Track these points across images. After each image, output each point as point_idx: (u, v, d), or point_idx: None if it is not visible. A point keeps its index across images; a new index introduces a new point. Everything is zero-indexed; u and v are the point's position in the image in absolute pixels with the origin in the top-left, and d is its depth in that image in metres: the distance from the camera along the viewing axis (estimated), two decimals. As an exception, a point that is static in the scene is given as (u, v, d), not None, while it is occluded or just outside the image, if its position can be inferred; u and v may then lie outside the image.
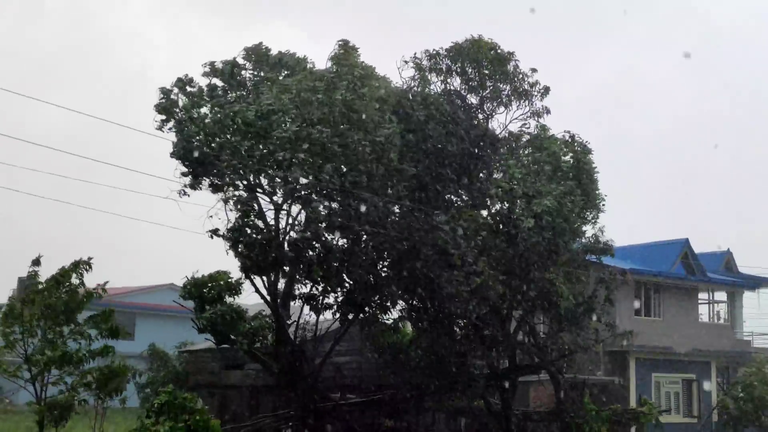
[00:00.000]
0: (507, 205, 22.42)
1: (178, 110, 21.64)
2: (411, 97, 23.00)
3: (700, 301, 39.24)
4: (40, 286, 20.03)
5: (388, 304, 23.40)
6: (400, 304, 23.68)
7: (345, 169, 20.44)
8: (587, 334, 24.48)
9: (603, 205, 23.92)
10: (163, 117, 21.54)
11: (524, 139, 24.35)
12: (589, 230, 24.13)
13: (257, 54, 22.72)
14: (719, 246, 41.87)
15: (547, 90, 24.02)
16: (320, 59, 22.61)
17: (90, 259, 20.40)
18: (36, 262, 21.03)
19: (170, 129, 21.61)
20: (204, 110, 21.76)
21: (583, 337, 24.29)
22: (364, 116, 20.42)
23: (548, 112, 24.26)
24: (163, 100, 21.58)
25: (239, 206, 21.26)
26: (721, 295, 40.74)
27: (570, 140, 23.91)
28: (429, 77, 23.96)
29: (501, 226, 22.24)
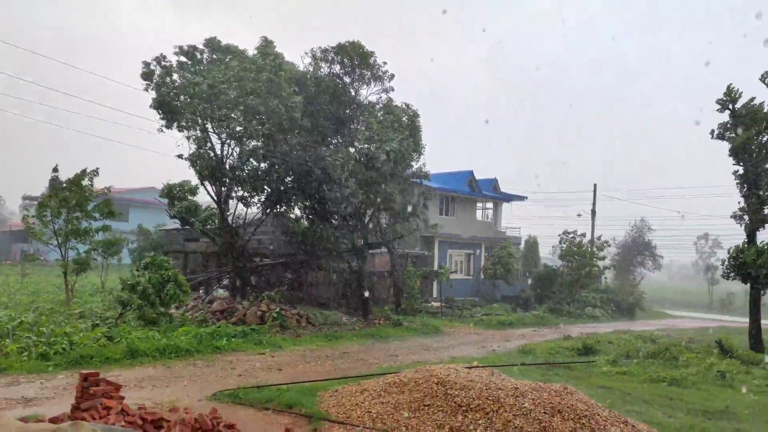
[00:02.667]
0: (367, 146, 24.88)
1: (156, 77, 22.66)
2: (308, 77, 24.73)
3: (477, 208, 43.03)
4: (63, 185, 20.76)
5: (293, 204, 25.59)
6: (300, 204, 25.73)
7: (266, 122, 22.36)
8: (411, 226, 28.75)
9: (424, 148, 26.81)
10: (147, 82, 22.66)
11: (378, 106, 26.17)
12: (415, 163, 26.85)
13: (212, 43, 23.79)
14: (494, 176, 46.28)
15: (392, 76, 26.04)
16: (253, 48, 23.92)
17: (97, 168, 21.21)
18: (55, 169, 21.84)
19: (151, 89, 22.70)
20: (174, 77, 22.93)
21: (408, 227, 28.51)
22: (279, 89, 22.29)
23: (393, 89, 26.31)
24: (145, 70, 22.67)
25: (197, 141, 23.07)
26: (489, 205, 44.38)
27: (406, 107, 26.57)
28: (320, 64, 25.50)
29: (363, 159, 24.75)
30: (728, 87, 22.62)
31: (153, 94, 22.92)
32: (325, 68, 25.74)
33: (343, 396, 10.78)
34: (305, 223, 26.18)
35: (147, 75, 22.97)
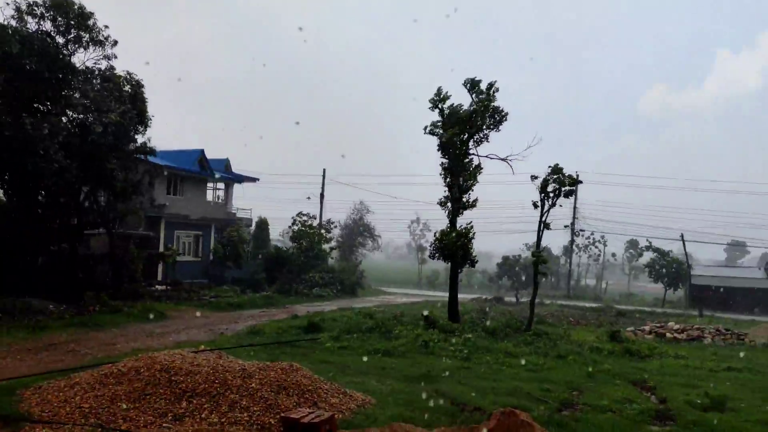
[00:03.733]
0: (84, 116, 22.79)
1: None
2: (9, 33, 21.55)
3: (208, 188, 41.57)
4: None
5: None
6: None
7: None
8: (134, 205, 27.01)
9: (150, 121, 25.38)
10: None
11: (96, 72, 24.10)
12: (141, 137, 25.42)
13: None
14: (225, 155, 45.31)
15: (116, 42, 24.16)
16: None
17: None
18: None
19: None
20: None
21: (131, 206, 26.71)
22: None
23: (116, 57, 24.42)
24: None
25: None
26: (221, 185, 43.43)
27: (129, 77, 24.80)
28: (27, 19, 22.47)
29: (78, 130, 22.67)
30: (438, 89, 25.59)
31: None
32: (33, 24, 22.80)
33: (48, 392, 9.80)
34: (3, 199, 23.36)
35: None
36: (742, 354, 20.29)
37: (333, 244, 47.66)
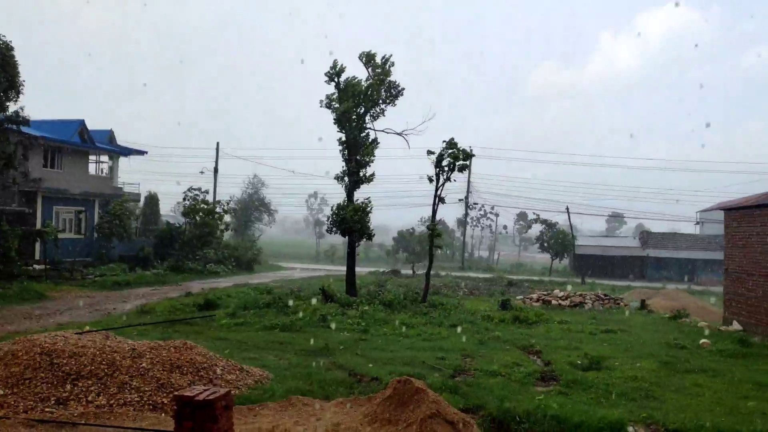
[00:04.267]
0: None
1: None
2: None
3: (91, 161, 39.22)
4: None
5: None
6: None
7: None
8: (6, 179, 25.10)
9: (23, 87, 23.58)
10: None
11: None
12: (13, 105, 23.64)
13: None
14: (109, 127, 43.03)
15: None
16: None
17: None
18: None
19: None
20: None
21: (2, 180, 24.81)
22: None
23: None
24: None
25: None
26: (105, 158, 41.16)
27: None
28: None
29: None
30: (334, 62, 25.46)
31: None
32: None
33: None
34: None
35: None
36: (626, 313, 22.00)
37: (228, 219, 46.47)
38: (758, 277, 18.62)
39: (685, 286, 40.89)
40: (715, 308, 25.24)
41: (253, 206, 59.66)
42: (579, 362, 13.25)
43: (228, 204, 44.62)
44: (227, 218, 44.85)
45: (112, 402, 8.27)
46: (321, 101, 25.75)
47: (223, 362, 10.49)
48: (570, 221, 59.22)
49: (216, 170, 50.75)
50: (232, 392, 8.52)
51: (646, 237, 59.71)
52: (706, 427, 8.66)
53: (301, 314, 18.85)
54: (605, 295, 28.25)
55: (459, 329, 17.87)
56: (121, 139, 42.41)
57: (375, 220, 27.59)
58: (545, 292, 29.74)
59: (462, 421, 8.03)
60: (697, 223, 67.09)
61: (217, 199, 45.29)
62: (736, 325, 19.55)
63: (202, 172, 50.54)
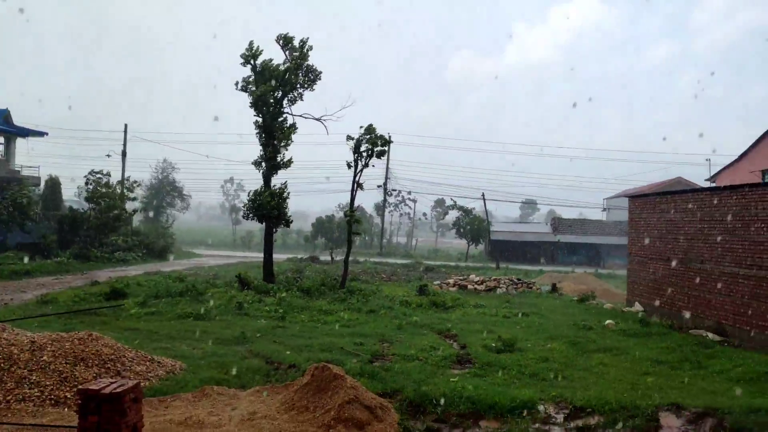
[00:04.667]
0: None
1: None
2: None
3: None
4: None
5: None
6: None
7: None
8: None
9: None
10: None
11: None
12: None
13: None
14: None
15: None
16: None
17: None
18: None
19: None
20: None
21: None
22: None
23: None
24: None
25: None
26: (0, 140, 38.87)
27: None
28: None
29: None
30: (250, 43, 24.85)
31: None
32: None
33: None
34: None
35: None
36: (539, 297, 22.85)
37: (137, 205, 44.58)
38: (658, 261, 19.82)
39: (592, 270, 42.96)
40: (619, 291, 26.70)
41: (164, 191, 57.55)
42: (493, 345, 13.67)
43: (134, 185, 42.58)
44: (136, 204, 43.06)
45: (9, 398, 7.81)
46: (237, 83, 25.12)
47: (132, 353, 10.11)
48: (486, 208, 60.84)
49: (124, 153, 48.56)
50: (142, 384, 8.24)
51: (557, 223, 62.20)
52: (609, 403, 9.16)
53: (216, 302, 18.45)
54: (519, 280, 29.25)
55: (377, 315, 18.03)
56: (22, 120, 39.83)
57: (293, 206, 27.33)
58: (461, 277, 30.46)
59: (380, 405, 8.13)
60: (604, 209, 70.52)
61: (125, 183, 43.26)
62: (638, 307, 20.75)
63: (108, 155, 48.07)
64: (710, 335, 15.74)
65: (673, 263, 18.78)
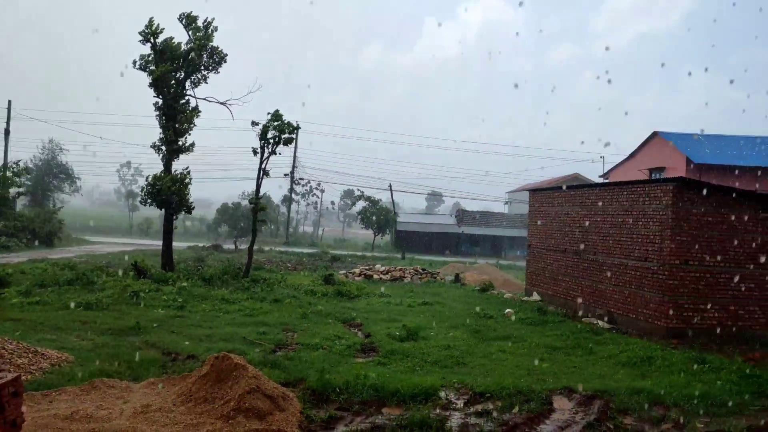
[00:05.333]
0: None
1: None
2: None
3: None
4: None
5: None
6: None
7: None
8: None
9: None
10: None
11: None
12: None
13: None
14: None
15: None
16: None
17: None
18: None
19: None
20: None
21: None
22: None
23: None
24: None
25: None
26: None
27: None
28: None
29: None
30: (150, 20, 23.72)
31: None
32: None
33: None
34: None
35: None
36: (447, 286, 23.32)
37: (22, 189, 41.47)
38: (555, 253, 20.79)
39: (494, 261, 44.47)
40: (519, 281, 27.81)
41: (51, 173, 53.99)
42: (397, 333, 13.86)
43: (22, 171, 39.61)
44: (21, 187, 40.12)
45: None
46: (134, 62, 23.94)
47: (12, 345, 9.45)
48: (393, 198, 61.57)
49: (7, 132, 45.26)
50: (24, 377, 7.72)
51: (461, 215, 63.87)
52: (507, 388, 9.52)
53: (110, 291, 17.58)
54: (423, 270, 29.81)
55: (282, 304, 17.83)
56: None
57: (196, 193, 26.46)
58: (367, 267, 30.68)
59: (282, 395, 8.04)
60: (506, 202, 73.17)
61: (9, 165, 40.21)
62: (535, 296, 21.70)
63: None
64: (601, 323, 16.71)
65: (569, 255, 19.76)
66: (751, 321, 15.01)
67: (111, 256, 32.37)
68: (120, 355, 10.43)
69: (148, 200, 24.29)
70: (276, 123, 24.26)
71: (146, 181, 24.74)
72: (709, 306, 14.92)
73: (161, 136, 24.25)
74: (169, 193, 23.39)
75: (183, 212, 25.37)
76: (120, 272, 21.93)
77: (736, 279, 14.98)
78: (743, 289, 15.01)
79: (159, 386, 8.59)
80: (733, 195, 15.25)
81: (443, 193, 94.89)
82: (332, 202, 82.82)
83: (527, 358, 12.16)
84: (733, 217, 15.11)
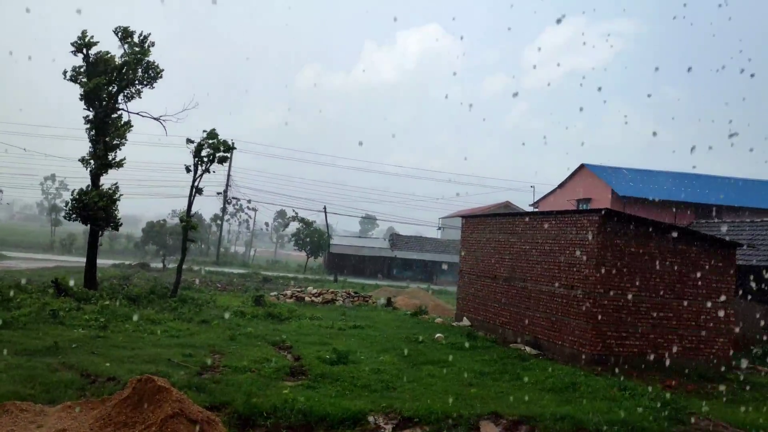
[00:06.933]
0: None
1: None
2: None
3: None
4: None
5: None
6: None
7: None
8: None
9: None
10: None
11: None
12: None
13: None
14: None
15: None
16: None
17: None
18: None
19: None
20: None
21: None
22: None
23: None
24: None
25: None
26: None
27: None
28: None
29: None
30: (83, 32, 23.02)
31: None
32: None
33: None
34: None
35: None
36: (379, 310, 23.27)
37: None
38: (485, 279, 21.17)
39: (425, 286, 44.85)
40: (450, 306, 28.11)
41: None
42: (328, 357, 13.72)
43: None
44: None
45: None
46: (65, 72, 23.13)
47: None
48: (327, 221, 61.33)
49: None
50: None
51: (395, 239, 64.26)
52: (435, 413, 9.55)
53: (26, 310, 16.66)
54: (355, 293, 29.73)
55: (210, 325, 17.37)
56: None
57: (125, 209, 25.64)
58: (299, 289, 30.34)
59: (207, 419, 7.79)
60: (439, 228, 74.15)
61: None
62: (466, 321, 21.98)
63: None
64: (528, 349, 17.05)
65: (499, 281, 20.16)
66: (668, 348, 15.66)
67: (30, 273, 30.78)
68: (35, 377, 9.88)
69: (73, 215, 23.33)
70: (211, 141, 23.89)
71: (71, 195, 23.77)
72: (630, 333, 15.49)
73: (90, 150, 23.43)
74: (95, 209, 22.54)
75: (110, 228, 24.51)
76: (38, 290, 20.86)
77: (655, 308, 15.64)
78: (662, 317, 15.68)
79: (76, 410, 8.16)
80: (652, 227, 15.98)
81: (377, 216, 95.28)
82: (266, 223, 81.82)
83: (456, 383, 12.24)
84: (652, 248, 15.82)
